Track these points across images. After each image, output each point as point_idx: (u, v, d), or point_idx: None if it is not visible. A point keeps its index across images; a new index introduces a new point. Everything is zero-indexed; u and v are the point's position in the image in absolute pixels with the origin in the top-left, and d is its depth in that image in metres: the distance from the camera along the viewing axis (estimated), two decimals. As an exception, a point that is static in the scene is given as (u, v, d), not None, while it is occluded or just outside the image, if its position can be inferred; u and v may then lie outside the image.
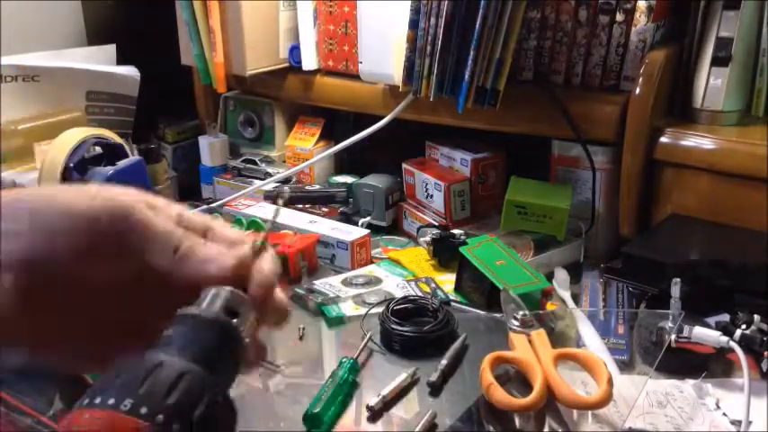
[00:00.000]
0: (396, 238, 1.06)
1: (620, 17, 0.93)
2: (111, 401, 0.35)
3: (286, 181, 1.16)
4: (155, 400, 0.36)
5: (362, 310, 0.79)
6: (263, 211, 1.01)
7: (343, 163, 1.22)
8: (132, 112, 1.21)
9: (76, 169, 0.88)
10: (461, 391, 0.66)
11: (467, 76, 0.92)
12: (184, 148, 1.27)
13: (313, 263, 0.91)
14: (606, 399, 0.60)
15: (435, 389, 0.66)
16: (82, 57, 1.17)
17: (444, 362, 0.68)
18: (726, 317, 0.74)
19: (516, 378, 0.66)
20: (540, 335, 0.68)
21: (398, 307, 0.76)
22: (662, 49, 0.91)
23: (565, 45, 0.96)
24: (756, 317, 0.70)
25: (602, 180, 0.96)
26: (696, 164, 0.87)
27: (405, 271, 0.91)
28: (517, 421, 0.62)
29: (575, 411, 0.62)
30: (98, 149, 0.94)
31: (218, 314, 0.41)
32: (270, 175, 1.16)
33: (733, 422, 0.64)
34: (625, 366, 0.72)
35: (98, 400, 0.35)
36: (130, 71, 1.19)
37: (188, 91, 1.29)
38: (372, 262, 0.94)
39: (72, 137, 0.90)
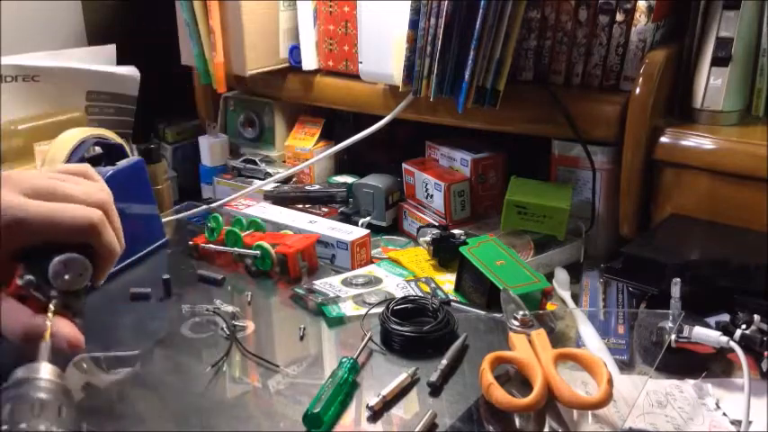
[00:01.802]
0: (396, 238, 1.06)
1: (620, 17, 0.93)
2: None
3: (286, 181, 1.16)
4: None
5: (362, 310, 0.79)
6: (263, 211, 1.02)
7: (343, 163, 1.22)
8: (132, 112, 1.21)
9: (76, 169, 0.88)
10: (461, 391, 0.66)
11: (467, 76, 0.92)
12: (184, 148, 1.27)
13: (313, 263, 0.91)
14: (606, 399, 0.60)
15: (435, 389, 0.66)
16: (82, 57, 1.17)
17: (444, 362, 0.68)
18: (726, 317, 0.74)
19: (516, 378, 0.66)
20: (540, 335, 0.68)
21: (398, 307, 0.76)
22: (662, 49, 0.92)
23: (565, 45, 0.96)
24: (756, 317, 0.70)
25: (602, 180, 0.96)
26: (696, 164, 0.87)
27: (405, 271, 0.91)
28: (517, 421, 0.62)
29: (575, 411, 0.62)
30: (98, 149, 0.94)
31: None
32: (270, 175, 1.16)
33: (733, 422, 0.64)
34: (625, 366, 0.72)
35: None
36: (130, 71, 1.19)
37: (188, 91, 1.29)
38: (372, 262, 0.94)
39: (72, 137, 0.90)
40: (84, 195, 0.61)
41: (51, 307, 0.57)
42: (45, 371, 0.51)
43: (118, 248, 0.62)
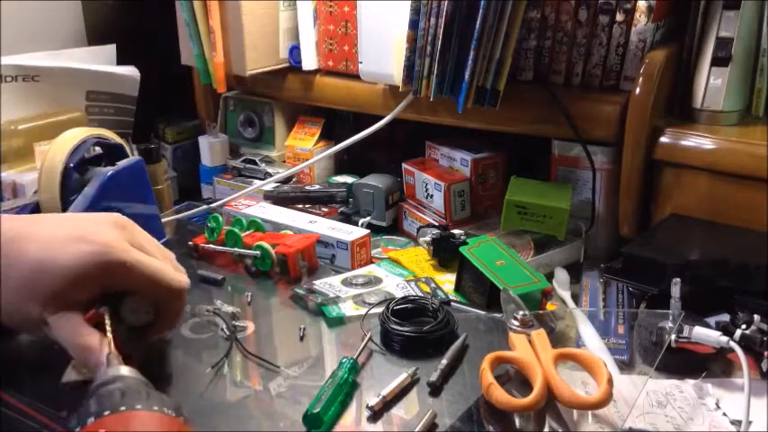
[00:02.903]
0: (396, 238, 1.06)
1: (620, 17, 0.93)
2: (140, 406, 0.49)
3: (286, 181, 1.16)
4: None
5: (362, 310, 0.79)
6: (263, 211, 1.02)
7: (343, 163, 1.22)
8: (132, 112, 1.21)
9: (76, 169, 0.88)
10: (461, 391, 0.66)
11: (467, 76, 0.92)
12: (184, 148, 1.27)
13: (313, 263, 0.91)
14: (606, 399, 0.60)
15: (435, 389, 0.66)
16: (82, 57, 1.17)
17: (444, 362, 0.68)
18: (726, 317, 0.74)
19: (516, 378, 0.66)
20: (540, 335, 0.68)
21: (398, 307, 0.76)
22: (662, 49, 0.92)
23: (565, 45, 0.96)
24: (756, 317, 0.70)
25: (602, 180, 0.96)
26: (696, 164, 0.87)
27: (405, 271, 0.91)
28: (517, 421, 0.62)
29: (575, 411, 0.62)
30: (98, 149, 0.94)
31: None
32: (270, 175, 1.16)
33: (733, 422, 0.64)
34: (625, 366, 0.72)
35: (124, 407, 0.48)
36: (130, 71, 1.19)
37: (188, 91, 1.29)
38: (372, 262, 0.94)
39: (72, 137, 0.90)
40: (176, 267, 0.68)
41: (107, 320, 0.61)
42: (124, 370, 0.55)
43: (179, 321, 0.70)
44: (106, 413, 0.48)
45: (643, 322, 0.75)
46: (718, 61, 0.90)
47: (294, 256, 0.88)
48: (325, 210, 1.10)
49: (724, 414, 0.65)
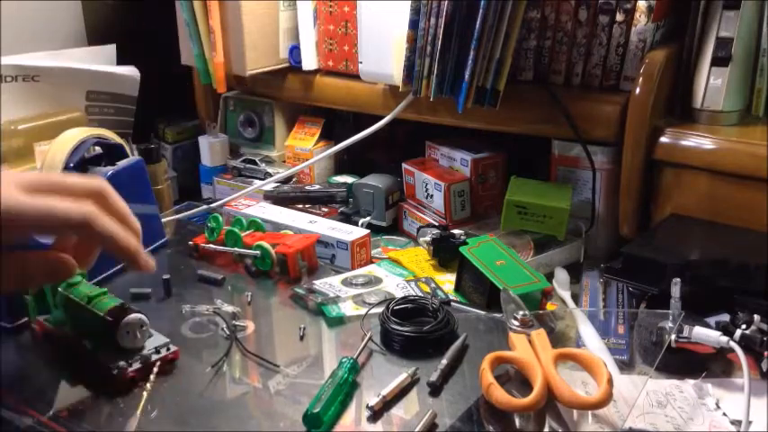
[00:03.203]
0: (396, 238, 1.06)
1: (620, 17, 0.93)
2: None
3: (286, 181, 1.16)
4: None
5: (362, 310, 0.79)
6: (263, 211, 1.02)
7: (343, 163, 1.22)
8: (132, 112, 1.21)
9: (76, 169, 0.88)
10: (461, 391, 0.66)
11: (467, 76, 0.92)
12: (184, 148, 1.27)
13: (313, 263, 0.91)
14: (606, 399, 0.60)
15: (435, 389, 0.66)
16: (82, 57, 1.17)
17: (444, 362, 0.68)
18: (726, 317, 0.74)
19: (516, 378, 0.66)
20: (540, 335, 0.68)
21: (398, 307, 0.76)
22: (662, 49, 0.92)
23: (565, 45, 0.96)
24: (756, 317, 0.70)
25: (602, 180, 0.96)
26: (696, 164, 0.87)
27: (405, 271, 0.91)
28: (517, 421, 0.62)
29: (575, 411, 0.62)
30: (98, 149, 0.94)
31: None
32: (270, 175, 1.16)
33: (733, 422, 0.64)
34: (625, 366, 0.72)
35: None
36: (130, 71, 1.19)
37: (188, 91, 1.29)
38: (372, 262, 0.94)
39: (72, 137, 0.90)
40: (80, 183, 0.63)
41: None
42: None
43: (117, 233, 0.63)
44: None
45: (643, 322, 0.75)
46: (718, 61, 0.90)
47: (294, 256, 0.88)
48: (326, 210, 1.10)
49: (724, 414, 0.65)
